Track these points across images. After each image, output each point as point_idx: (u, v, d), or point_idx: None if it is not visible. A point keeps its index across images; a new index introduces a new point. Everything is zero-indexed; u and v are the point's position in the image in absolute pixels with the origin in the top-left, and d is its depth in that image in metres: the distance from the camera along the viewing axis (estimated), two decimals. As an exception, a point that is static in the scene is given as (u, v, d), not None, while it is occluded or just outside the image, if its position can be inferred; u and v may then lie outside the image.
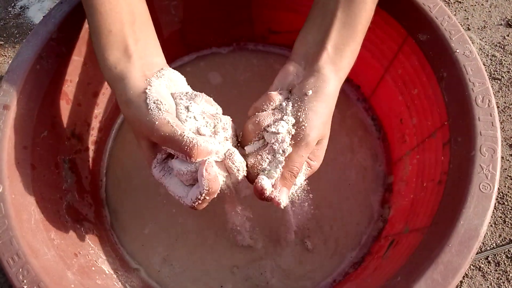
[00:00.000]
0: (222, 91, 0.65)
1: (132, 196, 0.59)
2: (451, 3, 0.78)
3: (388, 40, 0.54)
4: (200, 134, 0.38)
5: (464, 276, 0.57)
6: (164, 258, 0.55)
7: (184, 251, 0.55)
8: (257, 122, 0.40)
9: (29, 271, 0.38)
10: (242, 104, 0.63)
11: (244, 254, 0.55)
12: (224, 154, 0.38)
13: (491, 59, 0.72)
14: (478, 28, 0.75)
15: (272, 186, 0.39)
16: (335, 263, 0.54)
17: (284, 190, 0.39)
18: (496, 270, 0.58)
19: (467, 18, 0.77)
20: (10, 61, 0.75)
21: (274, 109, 0.41)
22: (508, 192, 0.62)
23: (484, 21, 0.76)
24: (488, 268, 0.58)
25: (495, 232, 0.60)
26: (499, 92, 0.69)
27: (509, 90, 0.69)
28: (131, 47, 0.41)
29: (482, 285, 0.57)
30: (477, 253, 0.58)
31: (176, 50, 0.66)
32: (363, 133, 0.62)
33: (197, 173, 0.37)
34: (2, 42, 0.78)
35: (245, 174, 0.39)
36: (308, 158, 0.41)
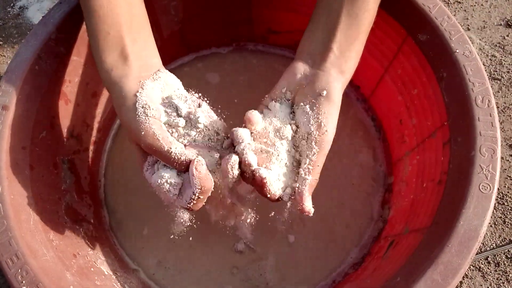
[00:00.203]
0: (221, 91, 0.65)
1: (131, 196, 0.59)
2: (450, 3, 0.78)
3: (388, 40, 0.53)
4: (188, 136, 0.39)
5: (464, 277, 0.57)
6: (164, 259, 0.55)
7: (183, 252, 0.55)
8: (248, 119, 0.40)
9: (28, 271, 0.38)
10: (242, 104, 0.63)
11: (243, 255, 0.55)
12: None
13: (491, 59, 0.72)
14: (478, 28, 0.75)
15: (299, 193, 0.39)
16: (335, 263, 0.54)
17: (310, 197, 0.39)
18: (495, 271, 0.57)
19: (467, 18, 0.77)
20: (9, 61, 0.75)
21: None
22: (508, 192, 0.62)
23: (484, 21, 0.76)
24: (488, 268, 0.58)
25: (495, 233, 0.60)
26: (498, 92, 0.69)
27: (508, 90, 0.69)
28: (128, 48, 0.41)
29: (482, 285, 0.57)
30: (477, 254, 0.58)
31: (175, 50, 0.66)
32: (363, 133, 0.62)
33: (189, 173, 0.37)
34: (1, 42, 0.78)
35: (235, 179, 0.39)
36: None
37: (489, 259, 0.58)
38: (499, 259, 0.58)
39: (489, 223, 0.60)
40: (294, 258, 0.55)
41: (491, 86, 0.52)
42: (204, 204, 0.39)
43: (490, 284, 0.57)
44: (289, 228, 0.55)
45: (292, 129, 0.41)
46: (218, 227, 0.56)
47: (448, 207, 0.40)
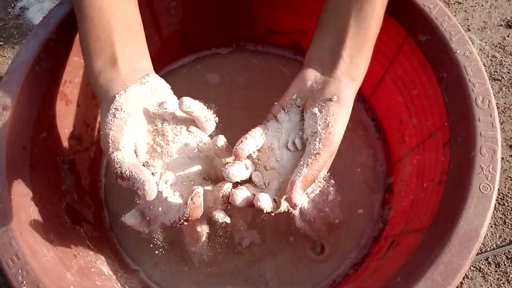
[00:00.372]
0: (222, 92, 0.65)
1: (131, 196, 0.59)
2: (451, 3, 0.78)
3: (388, 41, 0.53)
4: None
5: (464, 277, 0.57)
6: (164, 259, 0.55)
7: (183, 252, 0.55)
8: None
9: (29, 272, 0.38)
10: (242, 104, 0.63)
11: (243, 255, 0.55)
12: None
13: (491, 60, 0.72)
14: (478, 29, 0.75)
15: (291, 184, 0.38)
16: (335, 264, 0.54)
17: (301, 192, 0.38)
18: (496, 271, 0.57)
19: (467, 19, 0.77)
20: (9, 62, 0.75)
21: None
22: (508, 193, 0.62)
23: (484, 21, 0.76)
24: (488, 269, 0.58)
25: (495, 233, 0.60)
26: (499, 92, 0.69)
27: (509, 90, 0.69)
28: (118, 53, 0.40)
29: (482, 286, 0.57)
30: (477, 254, 0.58)
31: (175, 51, 0.66)
32: (363, 133, 0.62)
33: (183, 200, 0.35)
34: (1, 43, 0.78)
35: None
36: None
37: (489, 259, 0.58)
38: (500, 260, 0.58)
39: (490, 223, 0.60)
40: (294, 259, 0.54)
41: (492, 87, 0.52)
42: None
43: (491, 285, 0.57)
44: (290, 228, 0.55)
45: (299, 137, 0.41)
46: (218, 227, 0.56)
47: (448, 207, 0.40)
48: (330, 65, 0.42)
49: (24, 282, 0.37)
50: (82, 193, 0.55)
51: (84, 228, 0.51)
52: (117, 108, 0.38)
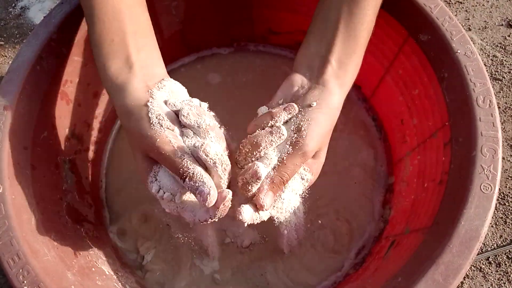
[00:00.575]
0: (223, 92, 0.65)
1: (132, 196, 0.59)
2: (452, 3, 0.78)
3: (389, 41, 0.53)
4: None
5: (465, 277, 0.57)
6: (165, 259, 0.55)
7: (184, 251, 0.55)
8: (255, 143, 0.39)
9: (29, 271, 0.38)
10: (243, 104, 0.63)
11: (244, 255, 0.55)
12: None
13: (492, 60, 0.72)
14: (479, 29, 0.75)
15: (258, 190, 0.38)
16: (336, 264, 0.54)
17: (270, 194, 0.38)
18: (497, 271, 0.57)
19: (468, 19, 0.77)
20: (10, 62, 0.75)
21: (270, 130, 0.40)
22: (509, 193, 0.62)
23: (485, 21, 0.76)
24: (489, 269, 0.58)
25: (496, 233, 0.60)
26: (500, 92, 0.69)
27: (510, 90, 0.69)
28: (133, 57, 0.40)
29: (483, 285, 0.57)
30: (478, 254, 0.58)
31: (176, 51, 0.66)
32: (364, 133, 0.62)
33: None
34: (2, 43, 0.78)
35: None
36: (303, 170, 0.40)
37: (490, 259, 0.58)
38: (500, 260, 0.58)
39: (490, 223, 0.60)
40: (295, 258, 0.54)
41: (492, 87, 0.52)
42: None
43: (491, 285, 0.57)
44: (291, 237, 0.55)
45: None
46: (218, 227, 0.56)
47: (449, 207, 0.40)
48: (317, 70, 0.42)
49: (25, 281, 0.37)
50: (83, 192, 0.55)
51: (85, 227, 0.52)
52: (159, 117, 0.37)
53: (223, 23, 0.64)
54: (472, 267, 0.58)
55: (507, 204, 0.61)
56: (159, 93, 0.39)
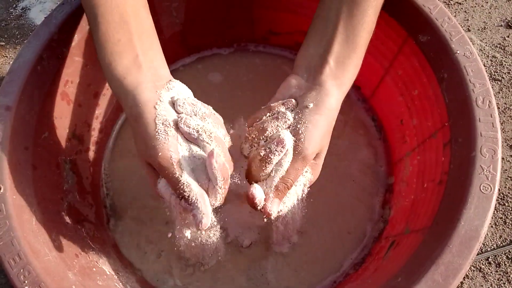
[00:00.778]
0: (223, 92, 0.65)
1: (133, 196, 0.59)
2: (451, 4, 0.79)
3: (389, 41, 0.54)
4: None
5: (464, 277, 0.57)
6: (165, 259, 0.55)
7: (185, 251, 0.55)
8: (261, 128, 0.39)
9: (30, 272, 0.38)
10: (244, 104, 0.63)
11: (244, 255, 0.55)
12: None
13: (491, 60, 0.72)
14: (478, 29, 0.75)
15: (265, 194, 0.39)
16: (336, 263, 0.54)
17: (276, 201, 0.39)
18: (496, 271, 0.58)
19: (467, 19, 0.77)
20: (11, 62, 0.75)
21: (276, 116, 0.40)
22: (509, 193, 0.62)
23: (484, 22, 0.76)
24: (489, 269, 0.58)
25: (495, 233, 0.60)
26: (499, 93, 0.69)
27: (509, 91, 0.69)
28: (140, 57, 0.40)
29: (482, 286, 0.57)
30: (477, 254, 0.58)
31: (176, 51, 0.66)
32: (364, 133, 0.62)
33: (207, 168, 0.37)
34: (3, 43, 0.78)
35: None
36: (311, 174, 0.40)
37: (489, 259, 0.58)
38: (500, 260, 0.58)
39: (490, 223, 0.60)
40: (295, 258, 0.55)
41: (492, 87, 0.52)
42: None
43: (491, 285, 0.57)
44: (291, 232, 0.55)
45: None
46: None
47: (448, 207, 0.41)
48: (315, 71, 0.42)
49: (26, 282, 0.37)
50: (84, 193, 0.55)
51: (85, 227, 0.52)
52: (165, 124, 0.37)
53: (223, 24, 0.64)
54: (472, 267, 0.58)
55: (506, 204, 0.61)
56: (167, 94, 0.39)
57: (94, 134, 0.59)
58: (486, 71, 0.71)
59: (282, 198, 0.39)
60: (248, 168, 0.40)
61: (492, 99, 0.42)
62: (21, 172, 0.43)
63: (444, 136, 0.46)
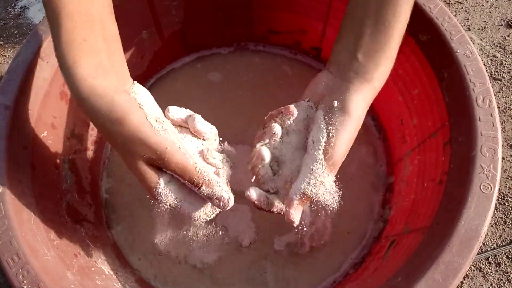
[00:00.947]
0: (223, 90, 0.65)
1: (132, 196, 0.59)
2: (451, 3, 0.78)
3: (389, 40, 0.53)
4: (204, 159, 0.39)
5: (464, 277, 0.57)
6: (164, 258, 0.55)
7: (185, 251, 0.55)
8: (259, 135, 0.41)
9: (29, 271, 0.38)
10: (244, 103, 0.63)
11: (244, 255, 0.55)
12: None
13: (491, 60, 0.72)
14: (479, 29, 0.75)
15: (289, 201, 0.38)
16: (336, 263, 0.54)
17: (299, 208, 0.38)
18: (496, 271, 0.57)
19: (468, 19, 0.77)
20: (10, 61, 0.75)
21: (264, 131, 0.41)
22: (509, 192, 0.62)
23: (485, 21, 0.76)
24: (489, 268, 0.58)
25: (495, 233, 0.60)
26: (499, 92, 0.69)
27: (509, 90, 0.69)
28: (108, 58, 0.37)
29: (482, 285, 0.57)
30: (477, 254, 0.58)
31: (176, 51, 0.66)
32: (364, 133, 0.62)
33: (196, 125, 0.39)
34: (2, 42, 0.78)
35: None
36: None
37: (490, 259, 0.58)
38: (500, 259, 0.58)
39: (490, 223, 0.60)
40: (295, 258, 0.54)
41: (492, 86, 0.52)
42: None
43: (491, 284, 0.57)
44: (290, 228, 0.55)
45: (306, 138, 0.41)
46: (218, 227, 0.56)
47: (448, 207, 0.40)
48: (343, 66, 0.40)
49: (25, 281, 0.37)
50: (83, 192, 0.55)
51: (84, 227, 0.52)
52: (158, 121, 0.36)
53: (223, 23, 0.64)
54: (472, 267, 0.58)
55: (506, 204, 0.61)
56: (139, 96, 0.38)
57: (93, 134, 0.59)
58: (486, 70, 0.71)
59: (304, 204, 0.38)
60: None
61: (492, 99, 0.42)
62: (20, 171, 0.43)
63: (444, 136, 0.46)
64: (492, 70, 0.71)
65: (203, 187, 0.37)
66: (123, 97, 0.36)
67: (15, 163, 0.43)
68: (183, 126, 0.41)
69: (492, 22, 0.76)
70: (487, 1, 0.78)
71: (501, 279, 0.57)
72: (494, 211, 0.60)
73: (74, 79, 0.35)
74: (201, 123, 0.39)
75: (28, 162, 0.45)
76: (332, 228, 0.56)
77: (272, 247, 0.55)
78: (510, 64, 0.71)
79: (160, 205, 0.38)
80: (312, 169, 0.37)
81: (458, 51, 0.45)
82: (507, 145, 0.66)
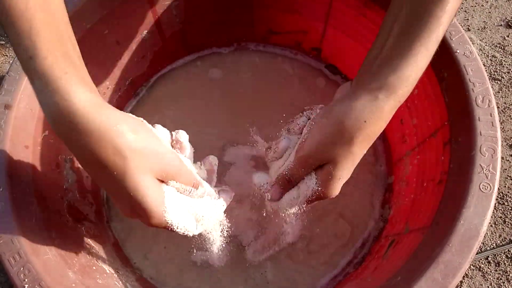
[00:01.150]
0: (224, 90, 0.65)
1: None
2: (451, 3, 0.79)
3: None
4: None
5: (464, 276, 0.57)
6: (165, 257, 0.55)
7: (184, 250, 0.55)
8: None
9: (30, 270, 0.38)
10: (244, 102, 0.63)
11: (244, 253, 0.55)
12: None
13: (491, 60, 0.72)
14: (478, 29, 0.75)
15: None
16: (336, 263, 0.54)
17: (276, 188, 0.41)
18: (496, 270, 0.58)
19: (467, 19, 0.77)
20: (11, 61, 0.75)
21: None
22: (508, 192, 0.62)
23: (484, 21, 0.76)
24: (488, 268, 0.58)
25: (495, 232, 0.60)
26: (499, 92, 0.69)
27: (509, 90, 0.69)
28: (78, 60, 0.36)
29: (482, 285, 0.57)
30: (477, 253, 0.58)
31: (177, 50, 0.66)
32: (364, 133, 0.62)
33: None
34: (3, 42, 0.78)
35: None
36: (316, 185, 0.38)
37: (489, 258, 0.58)
38: (500, 259, 0.58)
39: (489, 222, 0.60)
40: (295, 257, 0.55)
41: (492, 86, 0.52)
42: None
43: (491, 284, 0.57)
44: (290, 227, 0.55)
45: None
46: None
47: (448, 206, 0.41)
48: (357, 76, 0.38)
49: (26, 280, 0.38)
50: (84, 191, 0.55)
51: (85, 226, 0.52)
52: (153, 131, 0.36)
53: (223, 23, 0.64)
54: (472, 266, 0.58)
55: (506, 203, 0.61)
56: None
57: (94, 133, 0.59)
58: (486, 70, 0.71)
59: (283, 189, 0.40)
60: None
61: (491, 98, 0.42)
62: (21, 170, 0.43)
63: (443, 135, 0.46)
64: (492, 70, 0.71)
65: (200, 186, 0.39)
66: (109, 106, 0.34)
67: (16, 162, 0.43)
68: None
69: (491, 22, 0.76)
70: (487, 1, 0.78)
71: (501, 279, 0.57)
72: (493, 210, 0.60)
73: (36, 70, 0.31)
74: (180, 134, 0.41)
75: (30, 161, 0.45)
76: (332, 228, 0.56)
77: (272, 247, 0.55)
78: (509, 64, 0.71)
79: (168, 225, 0.37)
80: (289, 155, 0.40)
81: (458, 51, 0.45)
82: (507, 144, 0.66)
